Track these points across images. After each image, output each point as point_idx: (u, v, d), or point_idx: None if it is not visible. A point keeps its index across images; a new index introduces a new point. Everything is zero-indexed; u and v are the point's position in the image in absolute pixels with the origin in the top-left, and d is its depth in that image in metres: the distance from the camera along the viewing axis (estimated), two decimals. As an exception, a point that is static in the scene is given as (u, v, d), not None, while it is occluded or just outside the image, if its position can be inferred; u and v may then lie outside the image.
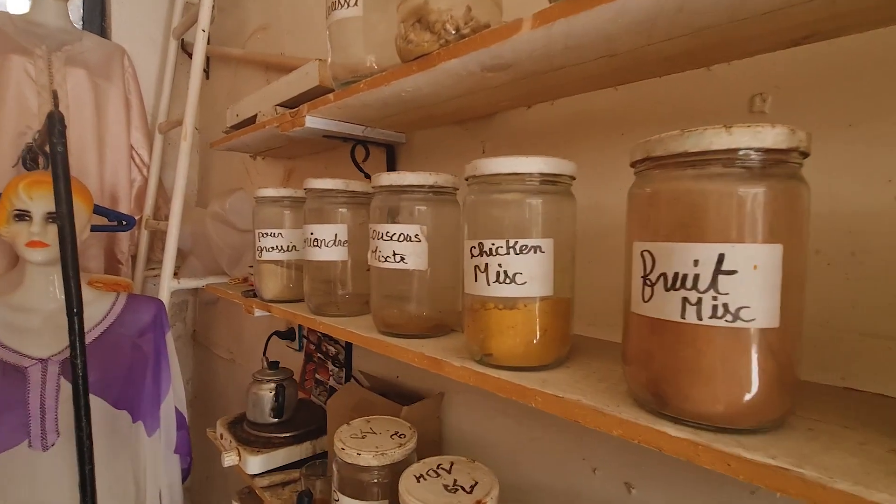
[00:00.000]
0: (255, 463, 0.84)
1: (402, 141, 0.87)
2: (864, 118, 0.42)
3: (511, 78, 0.54)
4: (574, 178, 0.47)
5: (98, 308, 1.01)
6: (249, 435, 0.92)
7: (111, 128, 1.53)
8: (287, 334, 1.20)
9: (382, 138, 0.85)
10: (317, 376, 1.14)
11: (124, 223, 1.39)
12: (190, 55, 1.51)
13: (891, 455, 0.28)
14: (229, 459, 0.86)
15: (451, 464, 0.56)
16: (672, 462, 0.54)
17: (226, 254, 1.29)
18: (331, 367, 1.08)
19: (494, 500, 0.50)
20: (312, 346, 1.15)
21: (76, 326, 0.76)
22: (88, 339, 0.97)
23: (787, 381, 0.31)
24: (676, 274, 0.31)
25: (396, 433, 0.65)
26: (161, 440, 1.06)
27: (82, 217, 0.97)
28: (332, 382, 1.08)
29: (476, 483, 0.52)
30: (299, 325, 1.19)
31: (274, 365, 1.01)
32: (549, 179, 0.44)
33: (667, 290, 0.31)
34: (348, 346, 1.02)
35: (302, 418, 0.97)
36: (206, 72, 1.73)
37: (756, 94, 0.49)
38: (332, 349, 1.07)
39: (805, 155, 0.31)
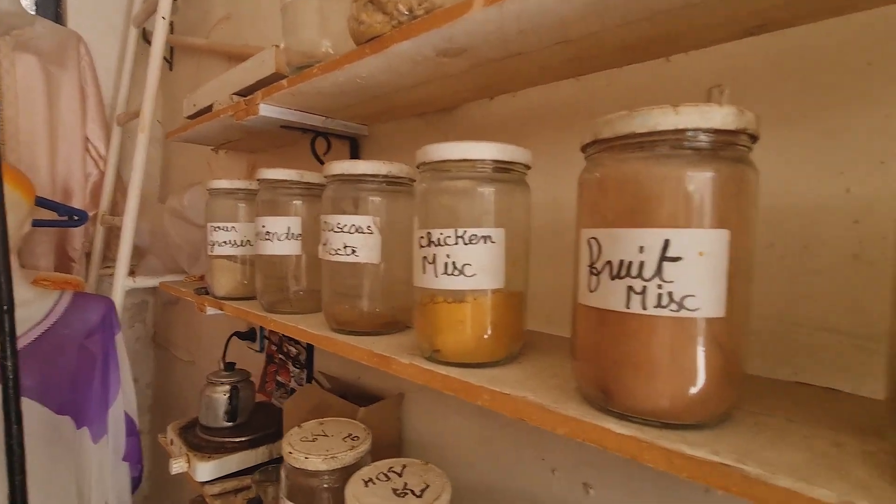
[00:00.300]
0: (205, 470, 0.80)
1: (365, 133, 0.84)
2: (816, 110, 0.42)
3: (468, 65, 0.52)
4: (529, 167, 0.46)
5: (39, 307, 0.95)
6: (201, 440, 0.87)
7: (65, 118, 1.45)
8: (248, 335, 1.16)
9: (344, 130, 0.82)
10: (278, 378, 1.09)
11: (76, 218, 1.31)
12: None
13: (834, 449, 0.27)
14: (177, 466, 0.81)
15: (404, 466, 0.53)
16: (629, 461, 0.53)
17: (184, 251, 1.24)
18: (292, 368, 1.04)
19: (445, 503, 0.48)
20: (274, 348, 1.11)
21: (6, 325, 0.71)
22: (27, 339, 0.91)
23: (733, 374, 0.29)
24: (622, 261, 0.29)
25: (350, 435, 0.62)
26: (109, 447, 1.00)
27: (21, 209, 0.91)
28: (293, 384, 1.04)
29: (427, 486, 0.50)
30: (260, 326, 1.14)
31: (230, 366, 0.96)
32: (502, 167, 0.42)
33: (612, 278, 0.30)
34: (309, 347, 0.98)
35: (259, 422, 0.93)
36: (170, 63, 1.67)
37: (714, 85, 0.48)
38: (293, 350, 1.03)
39: (754, 138, 0.30)
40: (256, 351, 1.17)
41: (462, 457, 0.70)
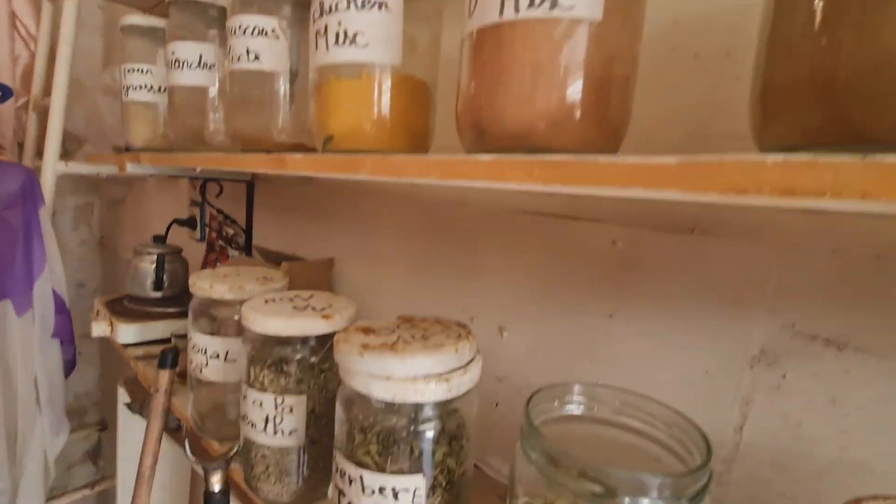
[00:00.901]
0: (128, 332, 0.78)
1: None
2: None
3: None
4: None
5: (-53, 169, 0.88)
6: (127, 309, 0.85)
7: (-15, -13, 1.30)
8: (188, 222, 1.11)
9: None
10: (218, 265, 1.06)
11: (-2, 93, 1.21)
12: None
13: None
14: (98, 329, 0.78)
15: (312, 295, 0.52)
16: (538, 301, 0.53)
17: (119, 132, 1.16)
18: (231, 252, 1.01)
19: (346, 319, 0.47)
20: (214, 234, 1.07)
21: None
22: (-67, 199, 0.84)
23: (610, 98, 0.27)
24: (498, -36, 0.26)
25: (264, 277, 0.59)
26: (35, 322, 0.96)
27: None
28: (232, 269, 1.01)
29: (331, 305, 0.48)
30: (200, 212, 1.10)
31: (159, 239, 0.92)
32: (407, -67, 0.37)
33: (489, -13, 0.27)
34: (248, 225, 0.94)
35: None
36: (109, -64, 1.49)
37: None
38: (230, 231, 0.99)
39: None
40: (198, 240, 1.13)
41: (391, 313, 0.70)
